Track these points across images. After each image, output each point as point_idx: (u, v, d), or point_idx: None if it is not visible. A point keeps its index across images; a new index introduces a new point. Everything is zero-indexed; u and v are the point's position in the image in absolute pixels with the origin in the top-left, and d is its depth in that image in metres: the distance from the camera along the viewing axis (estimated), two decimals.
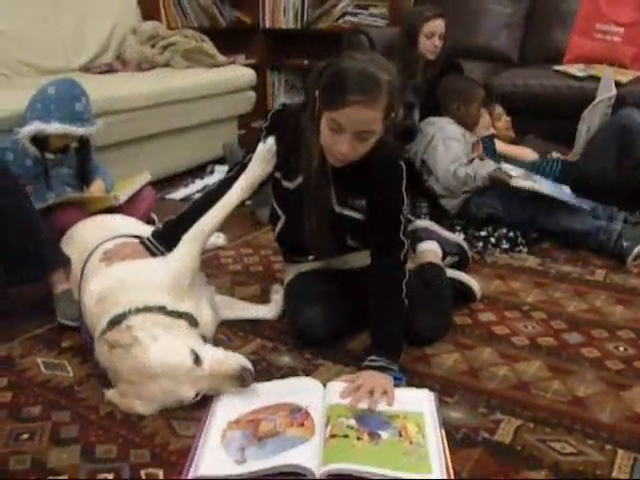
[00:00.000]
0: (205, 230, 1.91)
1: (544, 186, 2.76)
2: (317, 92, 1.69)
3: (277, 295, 2.14)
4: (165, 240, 1.95)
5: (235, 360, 1.63)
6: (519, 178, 2.75)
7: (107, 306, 1.74)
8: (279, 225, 2.00)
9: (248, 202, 3.03)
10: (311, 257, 2.01)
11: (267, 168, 1.92)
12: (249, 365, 1.63)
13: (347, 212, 1.86)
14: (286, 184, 1.90)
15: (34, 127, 2.46)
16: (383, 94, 1.60)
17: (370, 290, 1.80)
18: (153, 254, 1.94)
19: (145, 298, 1.73)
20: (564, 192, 2.81)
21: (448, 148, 2.90)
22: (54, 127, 2.46)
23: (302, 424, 1.49)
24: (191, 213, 1.97)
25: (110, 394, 1.64)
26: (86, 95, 2.57)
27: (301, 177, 1.84)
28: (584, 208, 2.72)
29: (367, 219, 1.85)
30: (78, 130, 2.52)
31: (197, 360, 1.58)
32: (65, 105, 2.49)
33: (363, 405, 1.57)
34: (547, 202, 2.71)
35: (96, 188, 2.68)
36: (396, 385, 1.66)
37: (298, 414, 1.52)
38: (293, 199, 1.88)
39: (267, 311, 2.11)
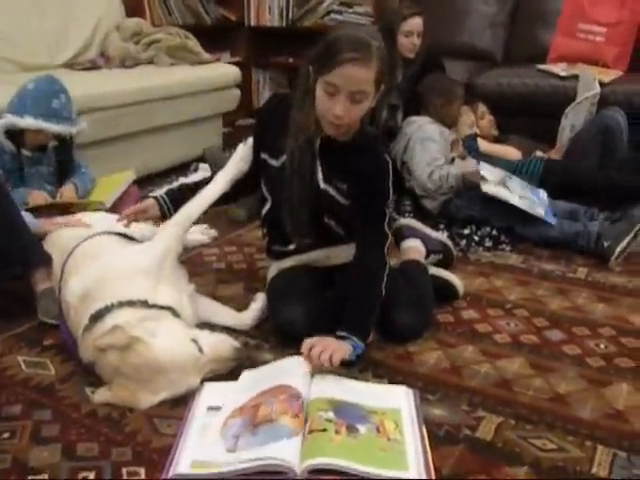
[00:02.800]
0: (190, 216, 2.01)
1: (515, 194, 2.73)
2: (310, 68, 1.75)
3: (256, 304, 2.08)
4: (174, 203, 2.05)
5: (227, 341, 1.72)
6: (492, 183, 2.74)
7: (90, 301, 1.73)
8: (265, 208, 2.04)
9: None
10: (292, 246, 2.02)
11: (245, 165, 2.05)
12: (236, 343, 1.74)
13: (332, 192, 1.90)
14: (272, 162, 1.95)
15: (6, 120, 2.43)
16: (374, 56, 1.69)
17: (350, 276, 1.84)
18: (163, 212, 2.05)
19: (127, 291, 1.72)
20: (538, 199, 2.78)
21: (425, 149, 2.91)
22: (27, 122, 2.43)
23: (297, 415, 1.48)
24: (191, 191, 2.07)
25: (98, 395, 1.64)
26: (66, 93, 2.53)
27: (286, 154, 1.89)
28: (549, 222, 2.68)
29: (351, 207, 1.89)
30: (53, 127, 2.49)
31: (199, 348, 1.64)
32: (41, 101, 2.46)
33: (335, 393, 1.58)
34: (522, 211, 2.69)
35: (66, 194, 2.60)
36: (355, 353, 1.71)
37: (295, 403, 1.51)
38: (278, 177, 1.92)
39: (241, 321, 2.04)
